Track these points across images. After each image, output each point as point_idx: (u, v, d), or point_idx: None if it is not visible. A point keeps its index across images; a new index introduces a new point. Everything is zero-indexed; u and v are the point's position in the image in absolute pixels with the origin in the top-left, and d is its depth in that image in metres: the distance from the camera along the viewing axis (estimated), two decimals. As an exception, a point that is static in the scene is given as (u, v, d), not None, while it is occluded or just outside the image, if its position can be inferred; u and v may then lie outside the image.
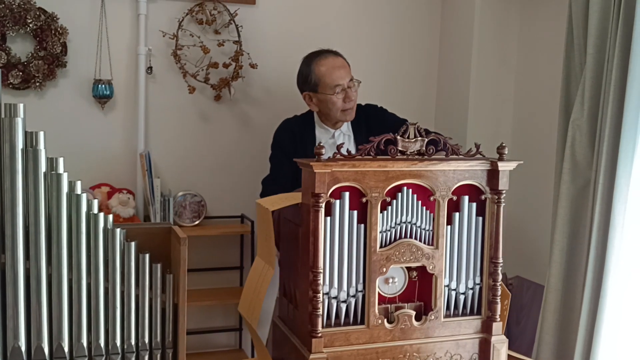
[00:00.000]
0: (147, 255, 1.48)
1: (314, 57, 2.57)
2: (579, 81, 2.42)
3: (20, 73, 2.77)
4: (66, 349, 1.43)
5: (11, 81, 2.77)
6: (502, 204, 1.83)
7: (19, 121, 1.36)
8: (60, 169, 1.41)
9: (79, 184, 1.44)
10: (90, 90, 2.88)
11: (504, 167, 1.81)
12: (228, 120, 3.11)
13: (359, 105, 2.67)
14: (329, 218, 1.68)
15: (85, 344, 1.45)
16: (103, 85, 2.86)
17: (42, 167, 1.39)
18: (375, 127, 2.57)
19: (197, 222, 3.00)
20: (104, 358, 1.47)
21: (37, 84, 2.80)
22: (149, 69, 2.94)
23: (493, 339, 1.82)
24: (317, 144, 1.68)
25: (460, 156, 1.81)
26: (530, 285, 2.85)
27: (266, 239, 1.80)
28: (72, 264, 1.43)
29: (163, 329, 1.51)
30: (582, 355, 2.32)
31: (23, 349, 1.40)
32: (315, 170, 1.63)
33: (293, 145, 2.57)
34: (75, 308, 1.44)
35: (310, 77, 2.54)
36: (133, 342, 1.49)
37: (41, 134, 1.40)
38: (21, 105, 1.38)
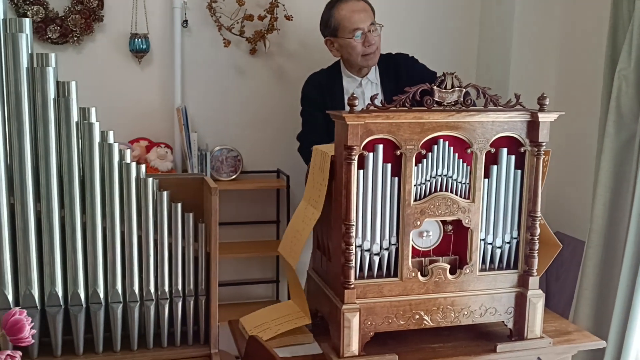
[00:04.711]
0: (180, 205, 1.49)
1: (336, 2, 2.53)
2: (626, 29, 2.32)
3: (58, 27, 2.79)
4: (102, 295, 1.47)
5: (50, 36, 2.79)
6: (542, 157, 1.78)
7: (51, 70, 1.36)
8: (93, 119, 1.42)
9: (111, 133, 1.44)
10: (127, 45, 2.89)
11: (545, 118, 1.75)
12: (263, 74, 3.09)
13: (389, 54, 2.62)
14: (361, 171, 1.66)
15: (120, 291, 1.48)
16: (139, 40, 2.86)
17: (74, 116, 1.40)
18: (405, 76, 2.52)
19: (233, 177, 3.02)
20: (138, 304, 1.50)
21: (75, 38, 2.81)
22: (185, 23, 2.92)
23: (529, 292, 1.79)
24: (349, 95, 1.64)
25: (499, 107, 1.76)
26: (570, 241, 2.80)
27: (319, 184, 1.78)
28: (106, 212, 1.45)
29: (196, 277, 1.54)
30: (621, 311, 2.28)
31: (60, 294, 1.44)
32: (347, 122, 1.60)
33: (322, 97, 2.55)
34: (109, 256, 1.47)
35: (330, 21, 2.51)
36: (167, 289, 1.51)
37: (73, 83, 1.40)
38: (53, 55, 1.38)
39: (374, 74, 2.58)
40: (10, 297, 1.41)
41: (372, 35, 2.46)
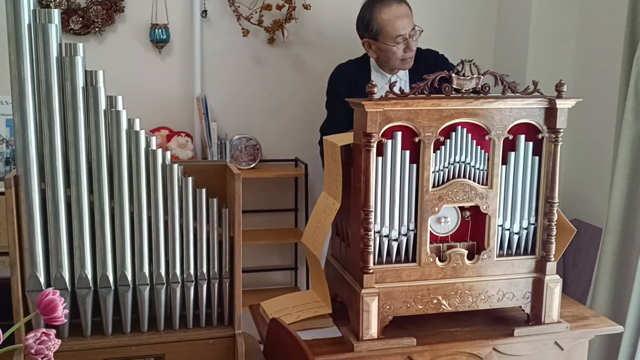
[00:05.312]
0: (204, 190, 1.53)
1: (377, 3, 2.46)
2: (646, 16, 2.31)
3: (80, 19, 2.84)
4: (129, 278, 1.51)
5: (72, 27, 2.83)
6: (560, 143, 1.79)
7: (79, 60, 1.40)
8: (120, 107, 1.46)
9: (137, 121, 1.48)
10: (147, 35, 2.92)
11: (562, 104, 1.76)
12: (282, 64, 3.11)
13: (418, 49, 2.60)
14: (380, 158, 1.69)
15: (147, 273, 1.53)
16: (160, 30, 2.90)
17: (102, 104, 1.44)
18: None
19: (252, 165, 3.05)
20: (164, 286, 1.54)
21: (97, 29, 2.86)
22: (204, 13, 2.95)
23: (547, 278, 1.81)
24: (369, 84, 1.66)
25: (517, 94, 1.77)
26: (588, 228, 2.80)
27: (334, 174, 1.82)
28: (133, 197, 1.50)
29: (220, 260, 1.58)
30: (639, 297, 2.28)
31: (89, 277, 1.49)
32: (367, 110, 1.63)
33: (348, 90, 2.54)
34: (137, 239, 1.51)
35: (371, 24, 2.45)
36: (192, 272, 1.56)
37: (100, 72, 1.44)
38: (80, 45, 1.42)
39: (403, 72, 2.57)
40: (42, 280, 1.45)
41: (412, 40, 2.44)
